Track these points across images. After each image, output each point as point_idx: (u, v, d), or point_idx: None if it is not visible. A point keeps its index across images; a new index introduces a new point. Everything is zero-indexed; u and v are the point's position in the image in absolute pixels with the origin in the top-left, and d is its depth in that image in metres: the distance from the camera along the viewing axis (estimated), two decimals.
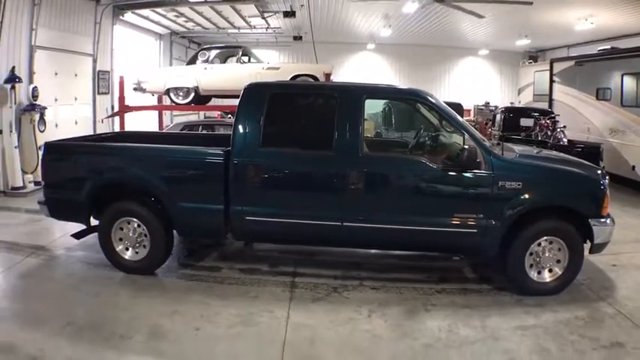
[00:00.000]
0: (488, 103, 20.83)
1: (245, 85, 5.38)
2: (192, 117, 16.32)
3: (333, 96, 5.29)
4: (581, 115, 12.85)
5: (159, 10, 13.66)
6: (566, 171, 5.35)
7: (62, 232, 6.58)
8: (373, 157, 5.27)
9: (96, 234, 5.57)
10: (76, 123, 11.71)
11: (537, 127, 12.24)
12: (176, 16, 14.50)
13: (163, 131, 10.45)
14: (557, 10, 13.56)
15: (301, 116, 5.54)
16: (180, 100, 10.63)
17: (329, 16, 15.72)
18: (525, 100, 19.13)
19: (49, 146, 5.61)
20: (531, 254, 5.04)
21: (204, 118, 15.87)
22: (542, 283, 5.09)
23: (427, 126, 5.87)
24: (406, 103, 6.01)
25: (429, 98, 5.33)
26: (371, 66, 22.54)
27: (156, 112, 12.09)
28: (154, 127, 13.15)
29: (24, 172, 9.41)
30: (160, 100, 11.78)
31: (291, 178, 5.23)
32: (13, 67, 9.04)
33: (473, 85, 22.78)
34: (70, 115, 11.49)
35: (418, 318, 4.68)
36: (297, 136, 5.35)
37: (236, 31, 17.08)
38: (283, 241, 5.61)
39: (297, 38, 18.82)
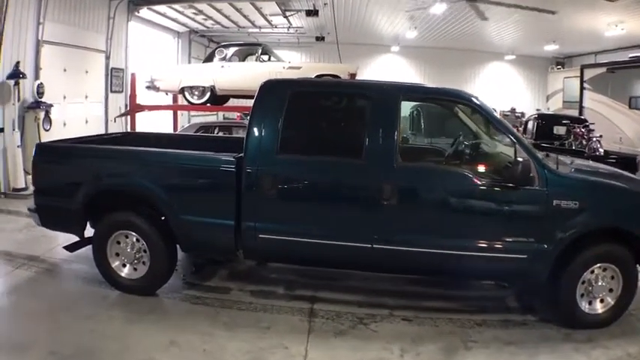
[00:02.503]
0: (515, 109, 19.94)
1: (262, 82, 4.64)
2: (211, 118, 15.72)
3: (364, 95, 4.60)
4: (612, 123, 12.32)
5: (176, 6, 13.10)
6: (625, 189, 4.58)
7: (60, 240, 5.93)
8: (410, 167, 4.47)
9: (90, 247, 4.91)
10: (87, 122, 11.17)
11: (572, 136, 11.41)
12: (194, 13, 13.92)
13: (173, 133, 9.81)
14: (586, 16, 12.88)
15: (326, 119, 4.85)
16: (195, 100, 10.01)
17: (352, 16, 15.05)
18: (554, 106, 18.47)
19: (40, 147, 5.01)
20: (583, 282, 4.32)
21: (223, 119, 15.26)
22: (593, 314, 4.39)
23: (467, 132, 5.14)
24: (447, 105, 5.19)
25: (475, 100, 4.60)
26: (395, 69, 21.78)
27: (171, 113, 11.54)
28: (168, 128, 12.61)
29: (26, 172, 8.81)
30: (174, 99, 11.15)
31: (312, 191, 4.50)
32: (18, 62, 8.51)
33: (498, 90, 21.88)
34: (80, 113, 10.95)
35: (458, 358, 3.96)
36: (321, 141, 4.66)
37: (257, 30, 16.48)
38: (301, 262, 4.87)
39: (320, 39, 18.12)
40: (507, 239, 4.25)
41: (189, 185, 4.58)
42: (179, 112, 12.67)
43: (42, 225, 5.05)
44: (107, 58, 11.78)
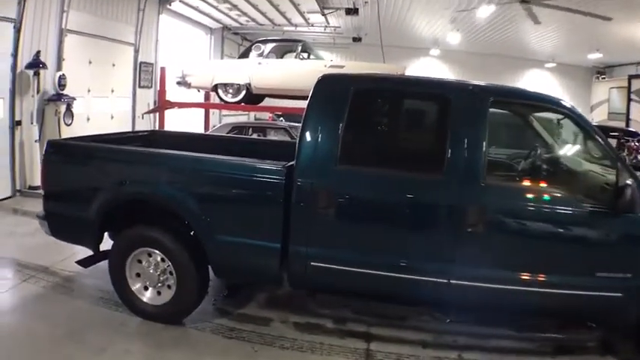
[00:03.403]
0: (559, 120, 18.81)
1: (319, 77, 3.81)
2: (242, 118, 14.90)
3: (445, 97, 3.67)
4: None
5: (210, 0, 12.31)
6: None
7: (74, 249, 5.12)
8: (498, 187, 3.59)
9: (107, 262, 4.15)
10: (112, 117, 10.48)
11: (625, 150, 10.40)
12: (229, 8, 13.15)
13: (205, 133, 9.00)
14: (636, 25, 11.70)
15: (397, 123, 4.03)
16: (229, 98, 9.17)
17: (393, 16, 14.14)
18: (599, 117, 17.35)
19: (52, 145, 4.25)
20: None
21: (255, 119, 14.42)
22: None
23: (545, 146, 4.31)
24: (540, 112, 4.27)
25: (575, 111, 3.73)
26: (433, 73, 20.73)
27: (202, 111, 10.76)
28: (199, 128, 11.83)
29: None
30: (206, 97, 10.38)
31: (380, 212, 3.62)
32: (38, 52, 7.80)
33: None
34: (105, 108, 10.27)
35: None
36: (390, 151, 3.81)
37: (292, 28, 15.63)
38: (361, 297, 3.94)
39: (357, 40, 17.19)
40: (602, 274, 3.43)
41: (227, 198, 3.76)
42: (210, 111, 11.99)
43: (52, 235, 4.31)
44: (136, 51, 11.09)
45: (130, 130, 11.12)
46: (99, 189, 3.91)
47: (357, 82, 3.85)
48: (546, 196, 3.53)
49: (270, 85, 8.98)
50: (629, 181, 3.26)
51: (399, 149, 3.86)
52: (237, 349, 3.75)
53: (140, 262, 3.95)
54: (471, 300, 3.60)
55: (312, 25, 15.43)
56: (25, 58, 7.65)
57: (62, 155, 4.20)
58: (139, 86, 11.51)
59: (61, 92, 8.18)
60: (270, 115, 14.78)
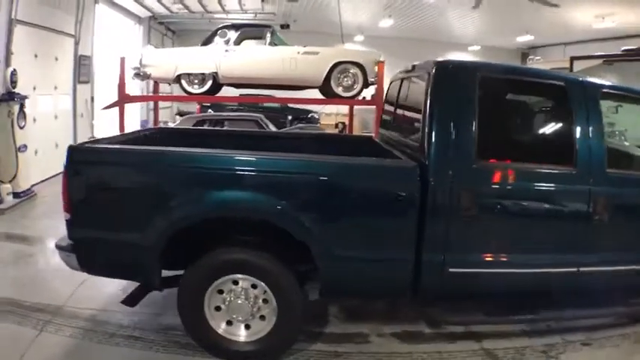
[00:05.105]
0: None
1: (433, 63, 2.99)
2: (166, 111, 13.07)
3: (563, 89, 3.12)
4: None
5: None
6: None
7: (76, 277, 3.68)
8: (619, 176, 3.16)
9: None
10: (56, 117, 8.56)
11: None
12: None
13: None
14: (578, 8, 11.75)
15: (525, 116, 3.42)
16: (194, 89, 7.73)
17: (322, 2, 13.11)
18: None
19: (79, 152, 2.91)
20: None
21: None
22: None
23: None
24: None
25: None
26: None
27: (139, 105, 9.05)
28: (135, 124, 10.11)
29: (0, 181, 6.30)
30: (155, 89, 8.81)
31: (517, 209, 3.01)
32: None
33: None
34: (50, 107, 8.32)
35: None
36: (522, 145, 3.22)
37: (224, 15, 14.01)
38: (492, 296, 3.21)
39: (285, 27, 15.89)
40: None
41: (346, 206, 2.79)
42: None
43: (83, 269, 3.00)
44: (76, 43, 9.07)
45: (71, 130, 9.33)
46: (164, 205, 2.72)
47: (481, 69, 3.11)
48: None
49: (240, 74, 7.67)
50: None
51: (531, 142, 3.27)
52: None
53: (221, 292, 2.85)
54: (595, 286, 3.14)
55: (246, 12, 13.96)
56: None
57: (101, 166, 2.88)
58: (79, 81, 9.54)
59: (13, 90, 6.30)
60: (198, 106, 13.38)
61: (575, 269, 3.01)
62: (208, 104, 13.14)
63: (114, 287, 3.84)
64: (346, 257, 2.74)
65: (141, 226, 2.75)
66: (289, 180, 2.76)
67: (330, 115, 16.23)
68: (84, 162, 2.86)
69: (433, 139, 2.80)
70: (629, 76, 9.81)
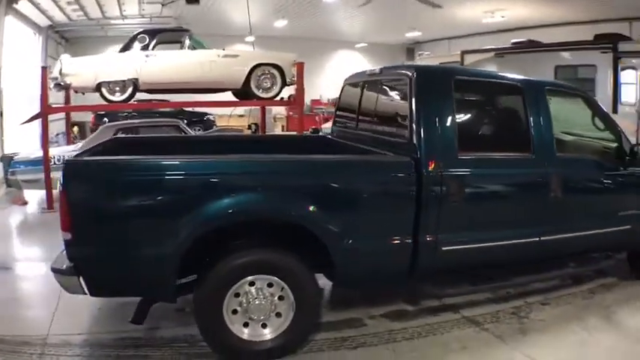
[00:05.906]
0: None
1: (414, 72, 3.35)
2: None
3: (519, 88, 3.69)
4: None
5: None
6: None
7: (53, 300, 3.65)
8: (566, 158, 3.80)
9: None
10: None
11: None
12: (68, 2, 10.46)
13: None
14: (456, 7, 12.71)
15: (492, 111, 3.98)
16: (115, 97, 7.41)
17: (214, 4, 12.95)
18: None
19: (77, 168, 2.78)
20: None
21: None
22: None
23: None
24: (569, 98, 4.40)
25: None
26: None
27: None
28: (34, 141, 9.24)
29: None
30: (67, 99, 8.22)
31: (493, 191, 3.59)
32: None
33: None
34: None
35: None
36: (492, 136, 3.77)
37: (121, 21, 13.34)
38: (476, 267, 3.69)
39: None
40: (623, 214, 4.00)
41: (355, 199, 3.07)
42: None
43: (91, 292, 2.83)
44: None
45: None
46: (186, 213, 2.71)
47: (454, 73, 3.63)
48: (594, 162, 3.97)
49: (161, 80, 7.52)
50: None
51: (498, 134, 3.79)
52: (374, 356, 3.12)
53: (237, 295, 2.91)
54: (552, 251, 3.76)
55: (144, 17, 13.33)
56: None
57: (105, 182, 2.74)
58: None
59: None
60: (93, 115, 12.65)
61: (537, 239, 3.57)
62: (103, 112, 12.43)
63: (91, 308, 3.66)
64: (360, 249, 2.98)
65: (159, 236, 2.72)
66: (313, 181, 2.97)
67: (242, 117, 16.34)
68: (88, 177, 2.74)
69: (422, 136, 3.16)
70: (519, 66, 10.79)
